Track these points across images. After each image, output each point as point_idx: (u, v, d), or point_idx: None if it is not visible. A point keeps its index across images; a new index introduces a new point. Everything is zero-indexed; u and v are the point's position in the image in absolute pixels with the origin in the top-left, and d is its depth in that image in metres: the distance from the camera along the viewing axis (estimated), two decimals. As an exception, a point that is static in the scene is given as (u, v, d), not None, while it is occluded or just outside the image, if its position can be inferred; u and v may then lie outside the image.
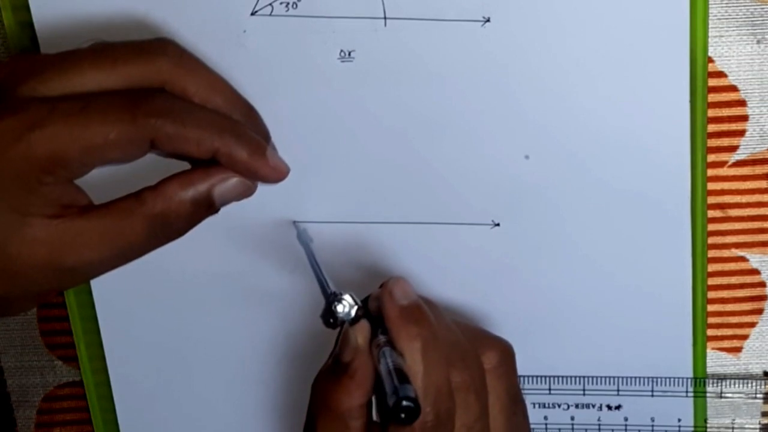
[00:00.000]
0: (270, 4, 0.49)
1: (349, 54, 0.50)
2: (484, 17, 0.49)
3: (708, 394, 0.55)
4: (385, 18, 0.49)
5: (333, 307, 0.44)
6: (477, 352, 0.46)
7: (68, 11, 0.50)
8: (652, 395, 0.55)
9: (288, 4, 0.49)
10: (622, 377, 0.55)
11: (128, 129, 0.42)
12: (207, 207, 0.45)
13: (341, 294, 0.45)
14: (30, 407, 0.58)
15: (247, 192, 0.46)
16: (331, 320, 0.45)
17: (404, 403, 0.40)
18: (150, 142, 0.43)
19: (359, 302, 0.45)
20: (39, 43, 0.51)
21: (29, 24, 0.51)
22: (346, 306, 0.45)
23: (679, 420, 0.56)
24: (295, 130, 0.52)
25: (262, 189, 0.52)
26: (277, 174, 0.46)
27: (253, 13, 0.50)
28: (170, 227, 0.45)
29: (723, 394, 0.55)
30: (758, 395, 0.55)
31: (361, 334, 0.44)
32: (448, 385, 0.44)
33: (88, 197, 0.45)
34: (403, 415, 0.40)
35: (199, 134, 0.44)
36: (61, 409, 0.58)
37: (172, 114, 0.43)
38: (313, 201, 0.53)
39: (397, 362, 0.43)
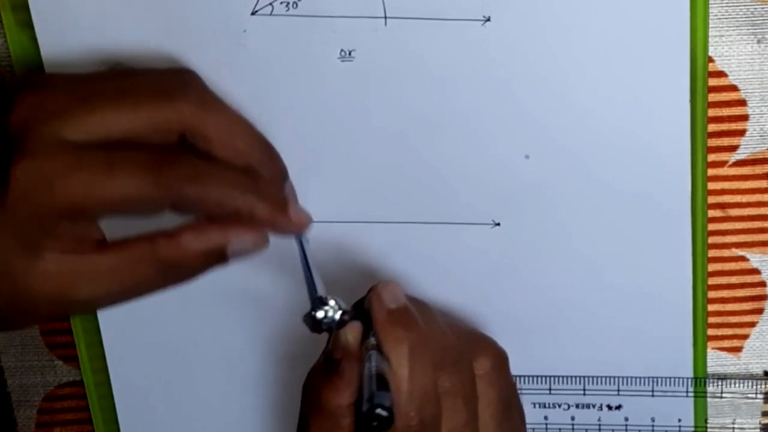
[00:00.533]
0: (270, 4, 0.50)
1: (350, 53, 0.50)
2: (484, 16, 0.49)
3: (708, 394, 0.55)
4: (385, 17, 0.49)
5: (313, 313, 0.44)
6: (469, 357, 0.46)
7: (68, 11, 0.50)
8: (653, 395, 0.55)
9: (288, 3, 0.49)
10: (623, 377, 0.55)
11: (151, 191, 0.43)
12: (219, 259, 0.46)
13: (326, 298, 0.44)
14: (30, 407, 0.58)
15: (261, 247, 0.46)
16: (313, 324, 0.44)
17: (377, 411, 0.40)
18: (171, 204, 0.44)
19: (345, 307, 0.45)
20: (39, 44, 0.51)
21: (29, 24, 0.51)
22: (329, 311, 0.44)
23: (680, 420, 0.56)
24: (295, 129, 0.52)
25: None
26: (299, 227, 0.47)
27: (253, 13, 0.50)
28: (180, 274, 0.46)
29: (723, 394, 0.55)
30: (758, 395, 0.55)
31: (352, 333, 0.44)
32: (434, 390, 0.44)
33: (102, 232, 0.45)
34: (375, 423, 0.40)
35: (220, 197, 0.44)
36: (61, 409, 0.58)
37: (195, 180, 0.44)
38: (312, 201, 0.53)
39: (380, 367, 0.43)
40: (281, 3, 0.49)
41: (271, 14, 0.50)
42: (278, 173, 0.49)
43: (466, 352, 0.46)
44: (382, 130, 0.52)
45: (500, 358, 0.48)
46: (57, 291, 0.44)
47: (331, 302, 0.44)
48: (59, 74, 0.48)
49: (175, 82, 0.46)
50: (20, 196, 0.42)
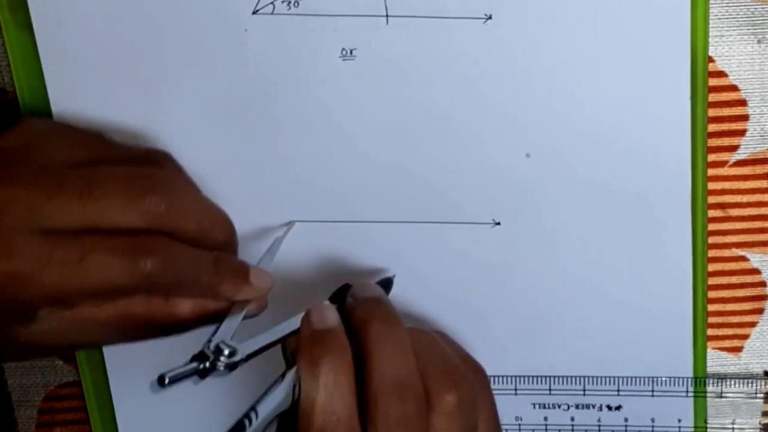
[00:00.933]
0: (272, 3, 0.49)
1: (351, 52, 0.50)
2: (486, 15, 0.49)
3: (708, 395, 0.55)
4: (387, 16, 0.49)
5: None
6: (423, 393, 0.44)
7: (67, 11, 0.50)
8: (653, 395, 0.55)
9: (290, 2, 0.49)
10: (623, 377, 0.55)
11: (126, 281, 0.43)
12: (214, 321, 0.46)
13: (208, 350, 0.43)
14: (31, 407, 0.58)
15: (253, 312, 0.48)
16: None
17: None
18: (145, 290, 0.44)
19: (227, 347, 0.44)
20: (37, 44, 0.51)
21: (27, 24, 0.51)
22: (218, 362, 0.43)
23: (680, 420, 0.56)
24: (295, 128, 0.52)
25: (262, 189, 0.53)
26: (262, 292, 0.48)
27: (254, 12, 0.50)
28: (176, 331, 0.47)
29: (723, 394, 0.55)
30: (758, 395, 0.55)
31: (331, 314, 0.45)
32: (349, 415, 0.42)
33: None
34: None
35: (193, 283, 0.45)
36: (61, 409, 0.58)
37: (170, 268, 0.43)
38: (313, 200, 0.53)
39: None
40: (282, 2, 0.49)
41: (272, 13, 0.50)
42: (235, 246, 0.49)
43: (424, 386, 0.45)
44: (383, 129, 0.52)
45: (467, 394, 0.45)
46: (58, 342, 0.45)
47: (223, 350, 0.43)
48: (21, 151, 0.46)
49: (143, 184, 0.44)
50: None
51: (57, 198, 0.42)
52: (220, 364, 0.43)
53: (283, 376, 0.43)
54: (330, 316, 0.45)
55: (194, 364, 0.42)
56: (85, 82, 0.51)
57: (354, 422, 0.42)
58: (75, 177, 0.43)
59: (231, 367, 0.43)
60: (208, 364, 0.42)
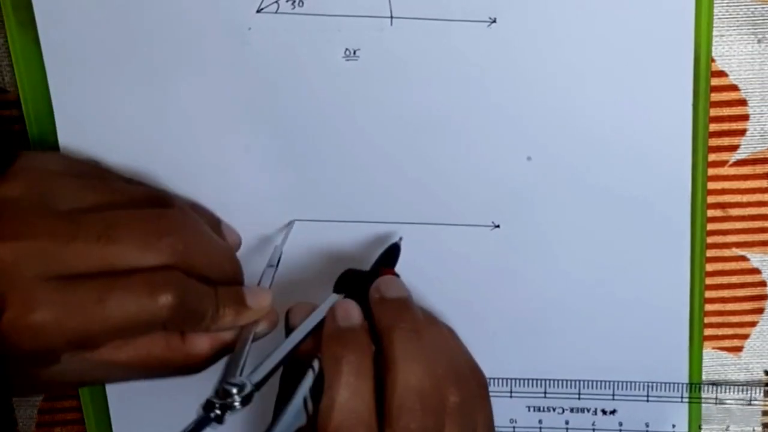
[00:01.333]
0: (276, 2, 0.49)
1: (354, 53, 0.50)
2: (490, 18, 0.49)
3: (703, 400, 0.55)
4: (391, 17, 0.49)
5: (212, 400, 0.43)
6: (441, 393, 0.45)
7: (71, 9, 0.50)
8: (647, 400, 0.55)
9: (294, 1, 0.49)
10: (618, 381, 0.55)
11: (147, 318, 0.43)
12: (228, 352, 0.47)
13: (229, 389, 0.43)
14: (31, 407, 0.58)
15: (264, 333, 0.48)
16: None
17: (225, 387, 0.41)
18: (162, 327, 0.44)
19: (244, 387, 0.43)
20: (41, 43, 0.51)
21: (31, 23, 0.50)
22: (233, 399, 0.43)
23: (674, 426, 0.56)
24: (297, 127, 0.52)
25: (264, 187, 0.53)
26: (263, 311, 0.48)
27: (258, 11, 0.50)
28: (192, 371, 0.47)
29: (718, 400, 0.55)
30: (753, 402, 0.55)
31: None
32: (369, 416, 0.43)
33: None
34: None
35: (200, 317, 0.45)
36: (62, 409, 0.58)
37: (182, 306, 0.44)
38: (314, 199, 0.53)
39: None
40: (287, 1, 0.49)
41: (276, 12, 0.50)
42: (241, 279, 0.49)
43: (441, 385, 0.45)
44: (385, 130, 0.52)
45: (470, 396, 0.47)
46: (78, 379, 0.46)
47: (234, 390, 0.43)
48: (27, 199, 0.45)
49: (159, 226, 0.45)
50: (14, 344, 0.42)
51: (74, 244, 0.42)
52: (234, 404, 0.42)
53: (293, 392, 0.43)
54: (354, 314, 0.46)
55: (203, 415, 0.42)
56: (87, 81, 0.51)
57: (373, 423, 0.43)
58: (91, 222, 0.44)
59: (245, 401, 0.43)
60: (218, 411, 0.42)
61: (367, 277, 0.49)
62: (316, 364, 0.44)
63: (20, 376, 0.44)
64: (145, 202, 0.47)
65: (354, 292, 0.48)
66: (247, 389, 0.42)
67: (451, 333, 0.48)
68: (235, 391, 0.42)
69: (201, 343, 0.46)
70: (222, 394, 0.42)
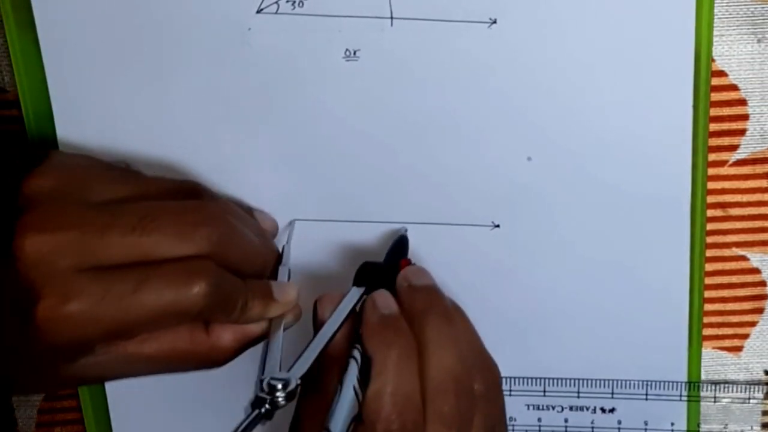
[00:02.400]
0: (276, 2, 0.49)
1: (355, 53, 0.50)
2: (490, 19, 0.49)
3: (702, 399, 0.55)
4: (391, 18, 0.49)
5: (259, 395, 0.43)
6: (470, 378, 0.46)
7: (71, 10, 0.50)
8: (646, 398, 0.55)
9: (294, 2, 0.49)
10: (617, 380, 0.55)
11: (179, 312, 0.43)
12: (254, 344, 0.48)
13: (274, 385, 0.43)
14: (31, 407, 0.58)
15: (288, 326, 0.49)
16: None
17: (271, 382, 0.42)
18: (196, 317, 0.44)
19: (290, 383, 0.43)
20: (40, 43, 0.51)
21: (31, 24, 0.50)
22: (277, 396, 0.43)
23: (672, 424, 0.56)
24: (297, 128, 0.52)
25: (261, 188, 0.53)
26: (290, 305, 0.48)
27: (258, 11, 0.50)
28: (215, 364, 0.48)
29: (717, 399, 0.55)
30: (752, 400, 0.55)
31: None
32: (418, 399, 0.44)
33: None
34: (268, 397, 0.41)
35: (231, 308, 0.45)
36: (61, 409, 0.58)
37: (215, 296, 0.44)
38: (314, 199, 0.53)
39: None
40: (287, 1, 0.49)
41: (276, 12, 0.50)
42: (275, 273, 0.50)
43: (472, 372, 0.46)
44: (385, 130, 0.52)
45: (494, 381, 0.48)
46: (99, 375, 0.46)
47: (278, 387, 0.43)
48: (60, 191, 0.45)
49: (195, 217, 0.45)
50: (48, 335, 0.42)
51: (109, 235, 0.43)
52: (279, 400, 0.42)
53: (340, 383, 0.43)
54: (393, 303, 0.46)
55: (255, 412, 0.42)
56: (86, 82, 0.51)
57: (420, 407, 0.44)
58: (125, 212, 0.44)
59: (290, 397, 0.43)
60: (268, 406, 0.42)
61: (384, 269, 0.50)
62: (356, 353, 0.45)
63: (47, 369, 0.44)
64: (179, 195, 0.47)
65: (373, 284, 0.49)
66: (292, 384, 0.43)
67: (471, 324, 0.49)
68: (280, 386, 0.42)
69: (225, 336, 0.47)
70: (269, 389, 0.42)
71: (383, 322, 0.45)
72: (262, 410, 0.42)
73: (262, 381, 0.43)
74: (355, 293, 0.48)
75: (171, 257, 0.43)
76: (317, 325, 0.47)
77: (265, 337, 0.47)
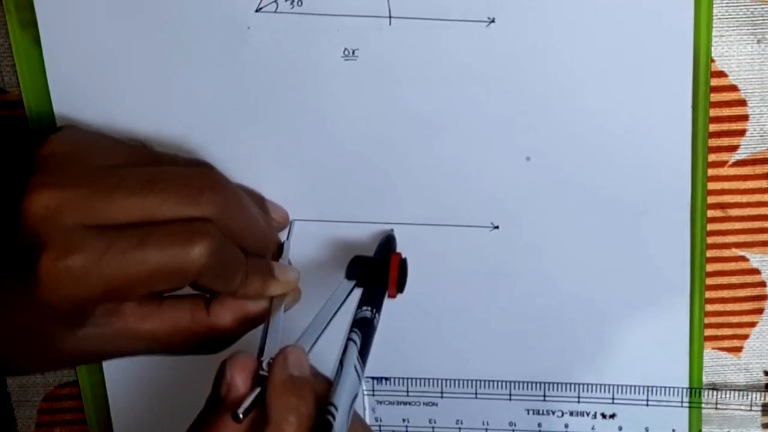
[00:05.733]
0: (275, 1, 0.50)
1: (353, 52, 0.50)
2: (489, 18, 0.49)
3: (703, 405, 0.55)
4: (390, 17, 0.50)
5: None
6: None
7: (72, 9, 0.50)
8: (647, 404, 0.55)
9: (293, 1, 0.49)
10: (618, 385, 0.55)
11: (184, 263, 0.43)
12: (255, 325, 0.48)
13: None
14: (30, 407, 0.58)
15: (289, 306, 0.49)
16: None
17: None
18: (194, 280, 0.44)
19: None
20: (42, 43, 0.51)
21: (33, 24, 0.51)
22: None
23: (674, 430, 0.56)
24: (295, 127, 0.52)
25: (260, 188, 0.53)
26: (291, 284, 0.49)
27: (257, 10, 0.50)
28: (216, 345, 0.48)
29: (718, 405, 0.55)
30: (754, 407, 0.55)
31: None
32: None
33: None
34: None
35: (229, 278, 0.45)
36: (61, 409, 0.58)
37: (216, 262, 0.44)
38: (312, 199, 0.53)
39: None
40: (286, 0, 0.49)
41: (275, 11, 0.50)
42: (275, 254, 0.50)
43: None
44: (383, 130, 0.52)
45: None
46: (94, 350, 0.46)
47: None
48: (71, 156, 0.46)
49: (201, 181, 0.45)
50: (50, 290, 0.42)
51: (116, 194, 0.43)
52: None
53: (341, 363, 0.44)
54: (305, 363, 0.44)
55: (257, 390, 0.42)
56: (87, 82, 0.51)
57: None
58: (133, 174, 0.44)
59: None
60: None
61: (376, 263, 0.50)
62: (354, 336, 0.45)
63: (46, 339, 0.44)
64: (189, 162, 0.49)
65: (363, 278, 0.50)
66: None
67: None
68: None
69: (225, 315, 0.47)
70: (269, 369, 0.43)
71: (290, 384, 0.43)
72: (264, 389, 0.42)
73: (262, 361, 0.43)
74: (346, 286, 0.49)
75: (175, 218, 0.43)
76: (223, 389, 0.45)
77: (264, 319, 0.47)
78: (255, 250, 0.47)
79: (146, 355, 0.47)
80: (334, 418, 0.41)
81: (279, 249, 0.50)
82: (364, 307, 0.47)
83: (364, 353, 0.45)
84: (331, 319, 0.47)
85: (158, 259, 0.42)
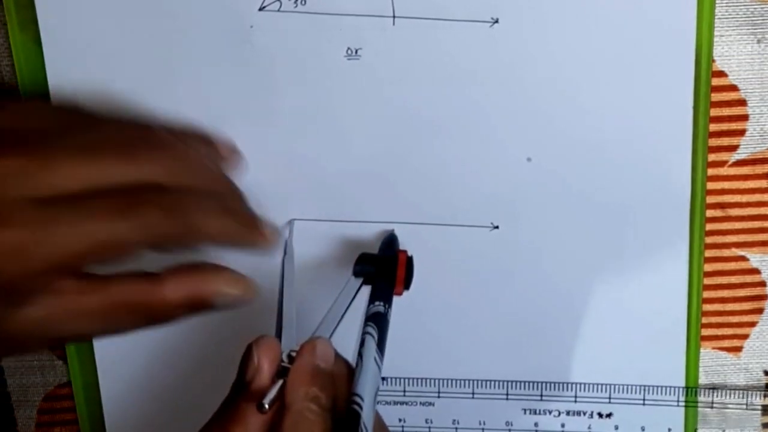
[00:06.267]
0: (278, 0, 0.50)
1: (356, 52, 0.50)
2: (492, 18, 0.50)
3: (699, 404, 0.55)
4: (393, 17, 0.50)
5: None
6: None
7: (73, 9, 0.50)
8: (644, 404, 0.55)
9: (296, 0, 0.50)
10: (614, 385, 0.55)
11: (126, 234, 0.41)
12: (202, 309, 0.45)
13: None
14: (30, 407, 0.58)
15: (248, 297, 0.45)
16: None
17: None
18: (149, 245, 0.43)
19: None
20: (42, 41, 0.51)
21: (33, 22, 0.51)
22: None
23: (670, 429, 0.56)
24: (298, 126, 0.52)
25: (261, 187, 0.52)
26: (269, 243, 0.46)
27: (261, 9, 0.50)
28: (162, 319, 0.45)
29: (714, 404, 0.55)
30: (750, 406, 0.55)
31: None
32: None
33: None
34: None
35: (195, 228, 0.43)
36: (61, 409, 0.58)
37: (169, 215, 0.42)
38: (313, 198, 0.53)
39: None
40: (289, -1, 0.50)
41: (278, 10, 0.50)
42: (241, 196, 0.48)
43: None
44: (385, 129, 0.52)
45: None
46: (40, 332, 0.43)
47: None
48: (9, 123, 0.44)
49: (142, 136, 0.44)
50: None
51: (53, 163, 0.41)
52: None
53: (360, 356, 0.44)
54: (331, 357, 0.45)
55: (281, 381, 0.42)
56: (87, 81, 0.51)
57: None
58: (71, 139, 0.42)
59: None
60: None
61: (383, 261, 0.51)
62: (371, 329, 0.46)
63: None
64: (129, 124, 0.46)
65: (371, 275, 0.50)
66: None
67: None
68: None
69: (175, 291, 0.44)
70: (289, 361, 0.43)
71: (315, 373, 0.43)
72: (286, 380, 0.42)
73: (281, 352, 0.43)
74: (354, 283, 0.49)
75: (117, 183, 0.42)
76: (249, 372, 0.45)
77: (210, 308, 0.45)
78: (213, 197, 0.45)
79: (96, 337, 0.46)
80: (360, 408, 0.41)
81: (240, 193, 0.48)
82: (377, 302, 0.48)
83: (381, 346, 0.45)
84: (343, 315, 0.47)
85: (102, 230, 0.41)
